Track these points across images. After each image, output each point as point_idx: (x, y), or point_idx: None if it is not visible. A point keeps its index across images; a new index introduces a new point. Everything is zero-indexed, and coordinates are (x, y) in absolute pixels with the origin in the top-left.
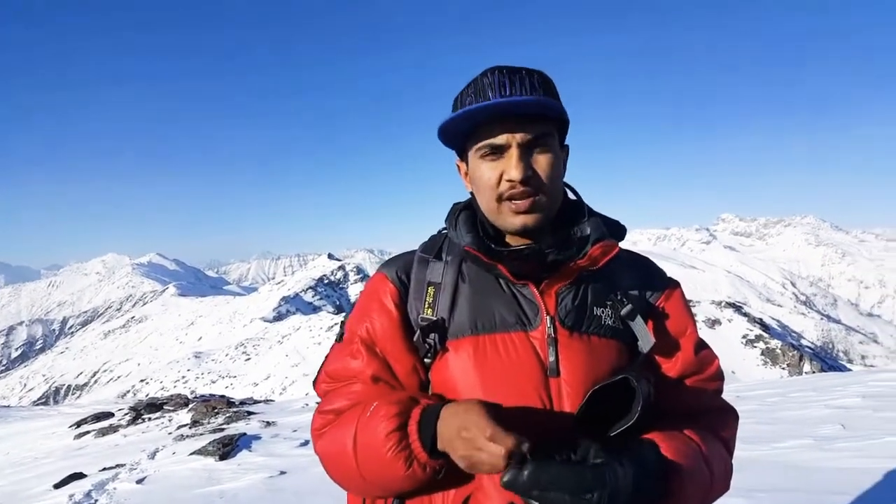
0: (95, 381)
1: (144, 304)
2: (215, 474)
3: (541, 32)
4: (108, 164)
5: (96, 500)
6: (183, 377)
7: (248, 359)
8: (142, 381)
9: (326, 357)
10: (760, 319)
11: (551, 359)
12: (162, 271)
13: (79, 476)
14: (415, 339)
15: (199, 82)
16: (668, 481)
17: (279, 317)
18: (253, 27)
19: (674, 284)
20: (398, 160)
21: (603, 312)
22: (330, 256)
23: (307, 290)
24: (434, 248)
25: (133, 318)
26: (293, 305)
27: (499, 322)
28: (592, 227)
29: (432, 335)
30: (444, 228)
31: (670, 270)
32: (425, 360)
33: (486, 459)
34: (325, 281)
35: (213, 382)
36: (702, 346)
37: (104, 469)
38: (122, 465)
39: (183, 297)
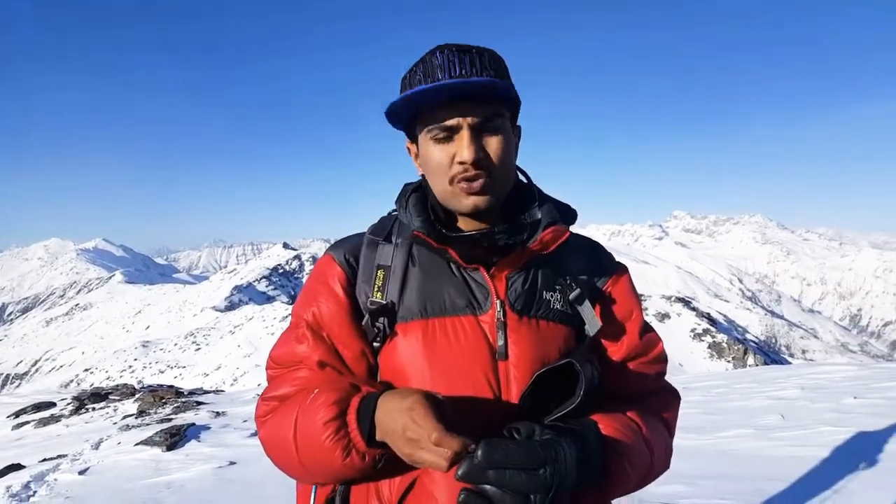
0: (37, 370)
1: (89, 291)
2: (162, 465)
3: (498, 28)
4: (52, 145)
5: (35, 492)
6: (130, 367)
7: (199, 349)
8: (86, 370)
9: (275, 343)
10: (708, 314)
11: (500, 342)
12: (108, 257)
13: (17, 467)
14: (364, 322)
15: (146, 62)
16: (607, 460)
17: (231, 306)
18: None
19: (621, 269)
20: (355, 145)
21: (552, 297)
22: (285, 245)
23: (261, 279)
24: (384, 230)
25: (77, 305)
26: (246, 295)
27: (449, 306)
28: (544, 212)
29: (381, 319)
30: (395, 210)
31: None
32: (374, 344)
33: (431, 460)
34: (280, 270)
35: (162, 373)
36: (647, 329)
37: (44, 460)
38: (64, 456)
39: (130, 285)
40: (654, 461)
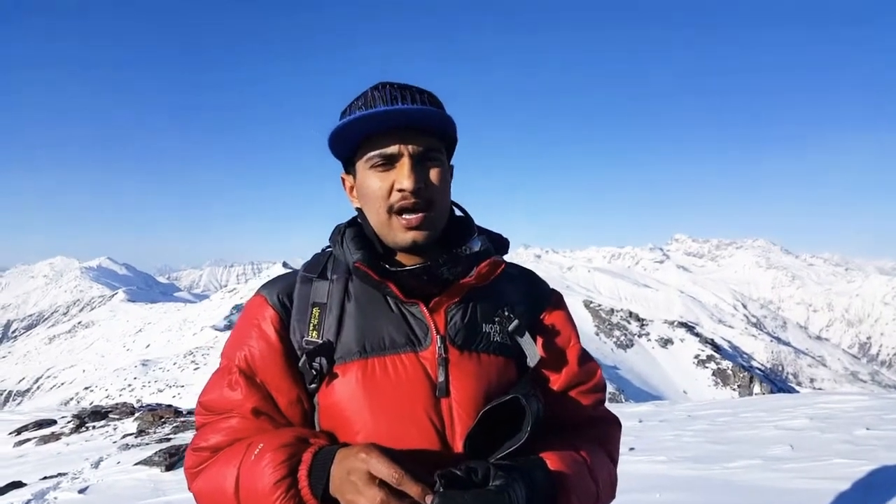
0: (38, 388)
1: (92, 308)
2: (161, 485)
3: (484, 43)
4: (58, 165)
5: None
6: (129, 385)
7: (198, 368)
8: (86, 388)
9: (204, 387)
10: (712, 340)
11: (441, 379)
12: (111, 276)
13: (18, 485)
14: (301, 364)
15: (149, 82)
16: (555, 497)
17: (230, 325)
18: (196, 17)
19: (557, 297)
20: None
21: (491, 329)
22: (285, 265)
23: None
24: (318, 266)
25: (80, 323)
26: None
27: (388, 343)
28: (479, 244)
29: (318, 359)
30: (328, 247)
31: (625, 288)
32: (311, 386)
33: None
34: None
35: (161, 391)
36: (585, 357)
37: (45, 478)
38: (65, 474)
39: (132, 303)
40: (600, 493)
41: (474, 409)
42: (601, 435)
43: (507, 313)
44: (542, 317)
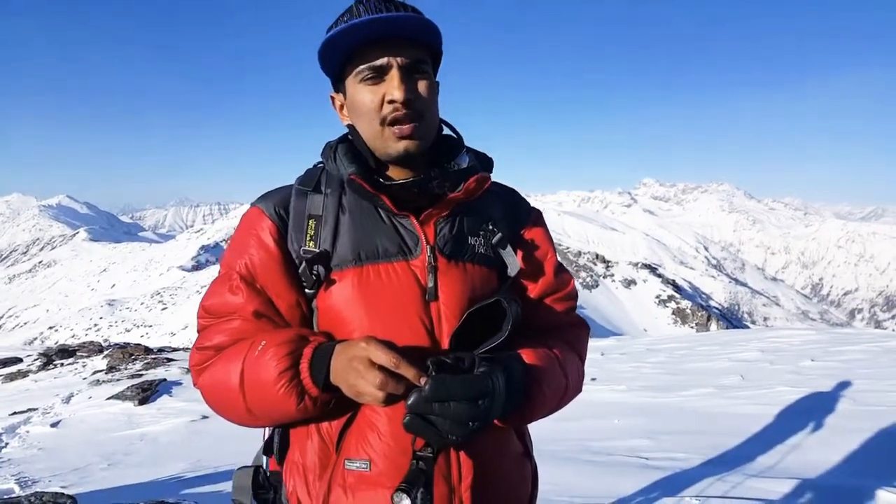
0: (0, 327)
1: (53, 248)
2: (135, 418)
3: None
4: (13, 99)
5: (7, 444)
6: (95, 325)
7: (165, 308)
8: (51, 328)
9: (205, 293)
10: (673, 281)
11: (430, 285)
12: (72, 214)
13: None
14: (300, 270)
15: (111, 19)
16: (528, 386)
17: (198, 266)
18: None
19: (536, 214)
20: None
21: (476, 241)
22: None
23: (228, 239)
24: (312, 180)
25: (41, 262)
26: (213, 255)
27: (381, 252)
28: (468, 160)
29: (317, 267)
30: (320, 162)
31: (592, 232)
32: (309, 291)
33: (367, 389)
34: None
35: (128, 331)
36: (561, 269)
37: (14, 413)
38: (35, 410)
39: (95, 243)
40: (569, 385)
41: (460, 311)
42: (571, 337)
43: (490, 227)
44: (522, 232)
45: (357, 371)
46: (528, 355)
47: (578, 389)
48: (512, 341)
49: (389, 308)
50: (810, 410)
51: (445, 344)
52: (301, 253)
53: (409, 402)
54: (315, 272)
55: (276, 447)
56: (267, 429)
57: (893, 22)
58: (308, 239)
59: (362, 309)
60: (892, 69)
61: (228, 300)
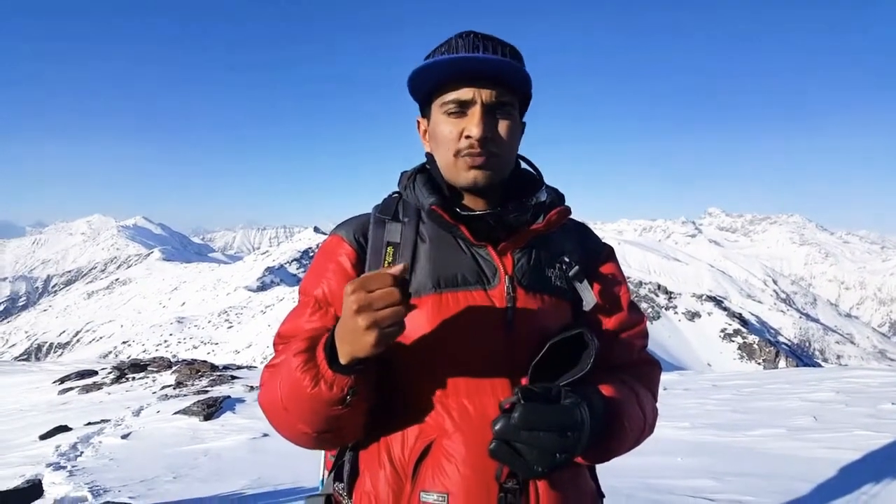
0: (78, 341)
1: (129, 266)
2: (199, 433)
3: (521, 23)
4: (98, 125)
5: (82, 453)
6: (165, 341)
7: (231, 326)
8: (124, 342)
9: (283, 320)
10: (740, 314)
11: (509, 315)
12: (147, 235)
13: (64, 429)
14: None
15: (198, 51)
16: (610, 422)
17: (263, 287)
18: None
19: (609, 250)
20: (390, 130)
21: (552, 274)
22: (316, 230)
23: (292, 261)
24: (390, 209)
25: (117, 280)
26: (278, 276)
27: (460, 280)
28: (547, 195)
29: None
30: (397, 192)
31: (654, 261)
32: None
33: (350, 324)
34: (310, 253)
35: (195, 348)
36: (634, 306)
37: (89, 423)
38: (108, 421)
39: (167, 262)
40: (647, 422)
41: (537, 342)
42: (644, 375)
43: (567, 260)
44: (596, 267)
45: (344, 314)
46: (607, 390)
47: (653, 428)
48: (589, 375)
49: (467, 335)
50: (891, 458)
51: (521, 373)
52: None
53: (497, 427)
54: None
55: (347, 474)
56: (330, 455)
57: None
58: (386, 265)
59: (440, 335)
60: None
61: (301, 324)
